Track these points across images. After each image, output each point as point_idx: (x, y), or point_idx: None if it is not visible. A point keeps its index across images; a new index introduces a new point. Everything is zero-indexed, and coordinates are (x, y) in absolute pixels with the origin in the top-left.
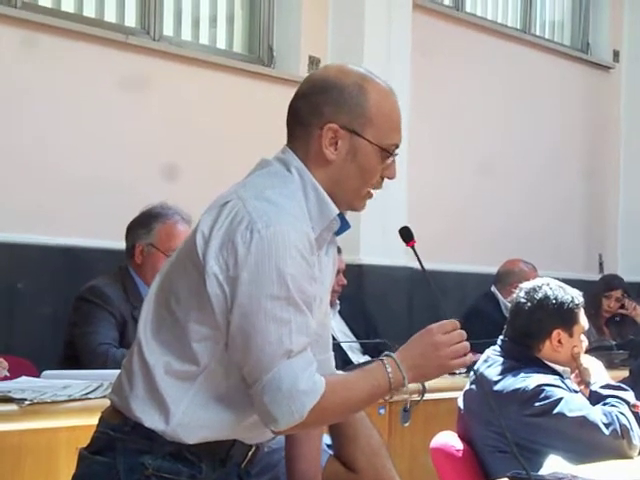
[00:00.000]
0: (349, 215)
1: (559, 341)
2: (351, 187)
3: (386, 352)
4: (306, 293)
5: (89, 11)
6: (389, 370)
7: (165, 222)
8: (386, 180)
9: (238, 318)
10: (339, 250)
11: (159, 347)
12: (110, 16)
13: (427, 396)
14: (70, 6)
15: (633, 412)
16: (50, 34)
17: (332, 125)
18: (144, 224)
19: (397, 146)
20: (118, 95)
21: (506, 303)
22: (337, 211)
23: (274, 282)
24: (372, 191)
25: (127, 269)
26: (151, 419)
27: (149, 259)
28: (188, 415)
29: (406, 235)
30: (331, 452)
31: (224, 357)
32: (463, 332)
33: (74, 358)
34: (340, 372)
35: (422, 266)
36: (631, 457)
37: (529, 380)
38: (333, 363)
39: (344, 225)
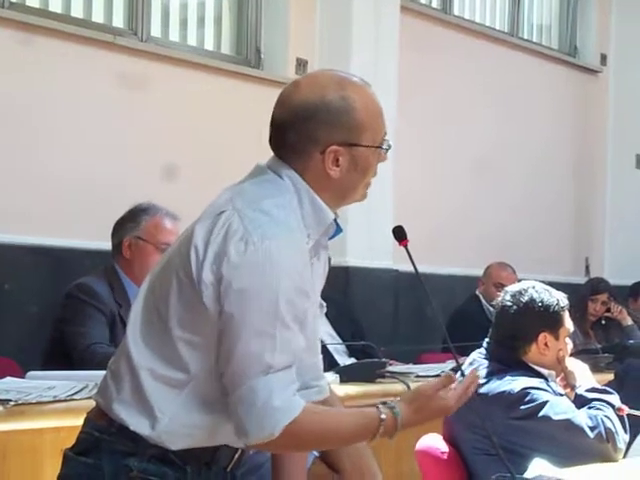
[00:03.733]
0: (337, 217)
1: (545, 344)
2: (357, 190)
3: (389, 403)
4: (297, 308)
5: (77, 12)
6: (383, 417)
7: (153, 215)
8: (373, 183)
9: (225, 327)
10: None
11: (148, 352)
12: (98, 17)
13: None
14: (58, 6)
15: (618, 415)
16: (38, 34)
17: (333, 148)
18: (132, 219)
19: (386, 133)
20: (105, 96)
21: (489, 307)
22: (333, 216)
23: (264, 296)
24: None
25: (114, 268)
26: (136, 423)
27: (138, 252)
28: (174, 422)
29: (399, 234)
30: (316, 453)
31: (213, 367)
32: (467, 392)
33: (60, 356)
34: (327, 374)
35: (414, 265)
36: (616, 460)
37: (515, 383)
38: (322, 366)
39: (337, 229)
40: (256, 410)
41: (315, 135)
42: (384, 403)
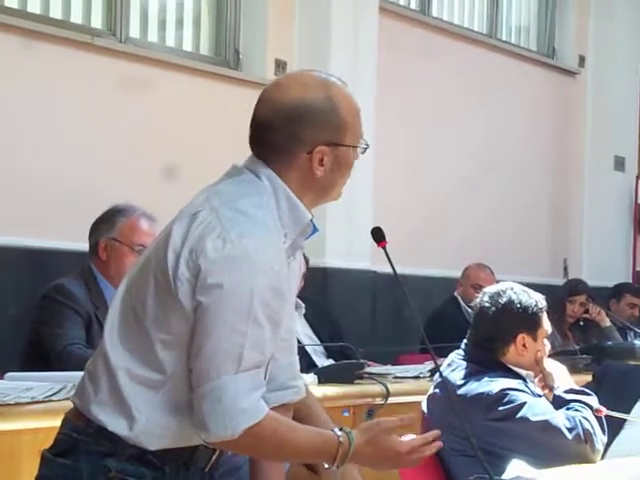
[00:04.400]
0: (315, 219)
1: (524, 345)
2: (336, 188)
3: (345, 429)
4: (272, 308)
5: (55, 12)
6: (341, 441)
7: (129, 217)
8: (352, 184)
9: (198, 323)
10: (306, 257)
11: (125, 353)
12: (76, 17)
13: (391, 400)
14: (36, 7)
15: (596, 417)
16: (16, 35)
17: (320, 148)
18: (107, 220)
19: (363, 133)
20: (83, 97)
21: (467, 308)
22: (310, 216)
23: (239, 294)
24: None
25: (90, 269)
26: (114, 424)
27: (113, 254)
28: (151, 422)
29: (377, 236)
30: (285, 462)
31: (188, 366)
32: (424, 449)
33: (38, 357)
34: (305, 375)
35: (392, 267)
36: (594, 461)
37: (493, 384)
38: (298, 367)
39: (313, 229)
40: (221, 408)
41: (301, 135)
42: (340, 429)
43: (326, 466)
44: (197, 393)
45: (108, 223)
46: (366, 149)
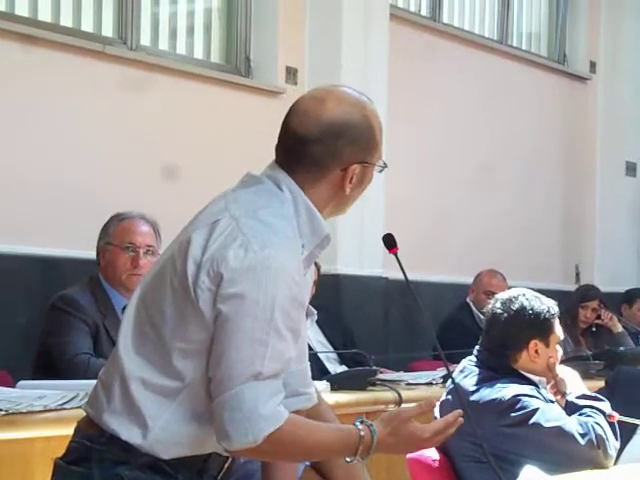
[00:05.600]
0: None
1: (536, 351)
2: (350, 204)
3: (367, 422)
4: (292, 318)
5: (66, 21)
6: (362, 435)
7: (121, 220)
8: (364, 191)
9: (219, 331)
10: (317, 264)
11: (140, 361)
12: (87, 26)
13: (403, 406)
14: (47, 15)
15: (609, 422)
16: (27, 43)
17: (355, 166)
18: (105, 228)
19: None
20: (94, 105)
21: (479, 314)
22: (328, 230)
23: (261, 303)
24: None
25: (97, 278)
26: (128, 433)
27: (107, 257)
28: (166, 431)
29: (389, 242)
30: (307, 462)
31: (206, 374)
32: (447, 430)
33: (47, 368)
34: (317, 383)
35: (404, 273)
36: (607, 467)
37: (505, 390)
38: (309, 373)
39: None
40: (241, 416)
41: (341, 152)
42: (362, 422)
43: (348, 460)
44: (217, 402)
45: (105, 230)
46: (384, 168)
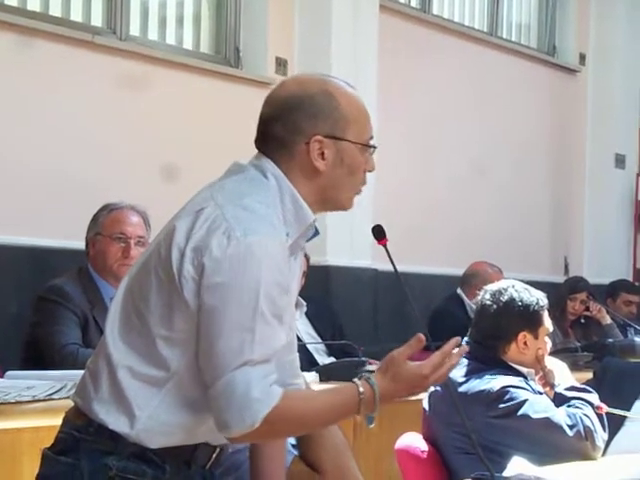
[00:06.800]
0: (316, 217)
1: (525, 343)
2: (343, 189)
3: (365, 375)
4: (277, 304)
5: (55, 10)
6: (361, 390)
7: (110, 211)
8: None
9: (205, 321)
10: (306, 255)
11: (127, 350)
12: (76, 15)
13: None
14: (36, 5)
15: (597, 414)
16: (15, 33)
17: (317, 137)
18: (94, 219)
19: (372, 137)
20: (83, 95)
21: (471, 305)
22: (313, 216)
23: (245, 290)
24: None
25: (86, 268)
26: (115, 422)
27: (98, 247)
28: (153, 420)
29: (378, 233)
30: (296, 452)
31: (193, 363)
32: (447, 361)
33: (35, 359)
34: (307, 374)
35: (393, 264)
36: (595, 458)
37: (494, 382)
38: (298, 364)
39: (314, 232)
40: (235, 402)
41: (300, 126)
42: (359, 377)
43: (358, 418)
44: (211, 392)
45: (94, 221)
46: (373, 150)
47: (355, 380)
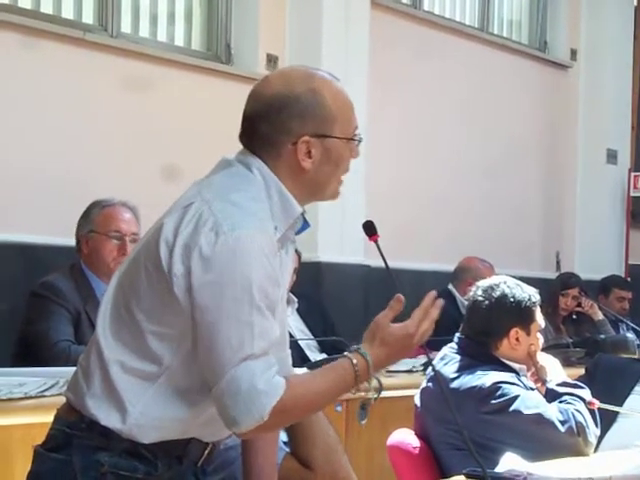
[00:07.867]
0: (307, 213)
1: (517, 339)
2: (330, 183)
3: (354, 346)
4: (270, 297)
5: (46, 7)
6: (355, 362)
7: (104, 208)
8: (344, 178)
9: (202, 320)
10: (298, 252)
11: (118, 346)
12: (67, 12)
13: (384, 394)
14: (27, 2)
15: (589, 409)
16: (6, 30)
17: (305, 138)
18: (85, 215)
19: (357, 127)
20: (75, 92)
21: (463, 301)
22: (300, 210)
23: (238, 285)
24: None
25: (79, 265)
26: (107, 418)
27: (93, 245)
28: (145, 415)
29: (369, 230)
30: (287, 449)
31: (186, 358)
32: (429, 315)
33: (27, 356)
34: (298, 370)
35: (385, 261)
36: (587, 454)
37: (486, 378)
38: (290, 361)
39: (304, 224)
40: (242, 398)
41: (287, 126)
42: (350, 351)
43: (353, 392)
44: (216, 391)
45: (86, 218)
46: (359, 142)
47: (347, 353)
